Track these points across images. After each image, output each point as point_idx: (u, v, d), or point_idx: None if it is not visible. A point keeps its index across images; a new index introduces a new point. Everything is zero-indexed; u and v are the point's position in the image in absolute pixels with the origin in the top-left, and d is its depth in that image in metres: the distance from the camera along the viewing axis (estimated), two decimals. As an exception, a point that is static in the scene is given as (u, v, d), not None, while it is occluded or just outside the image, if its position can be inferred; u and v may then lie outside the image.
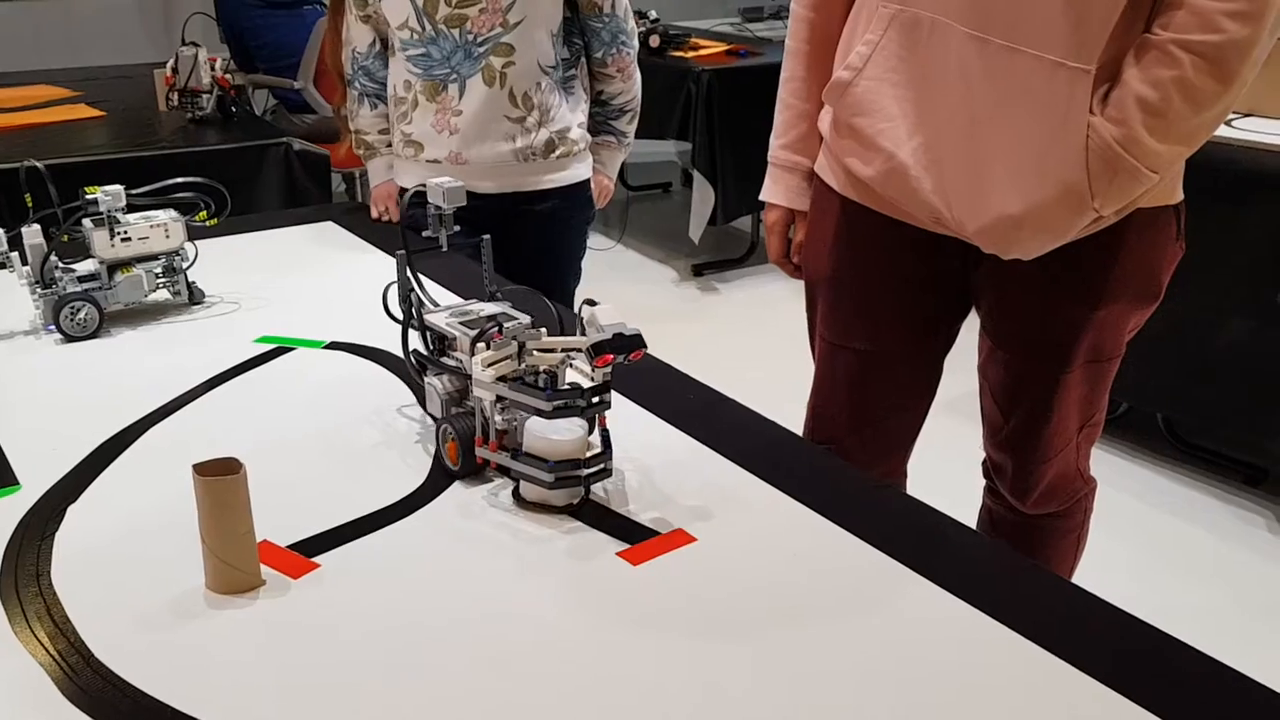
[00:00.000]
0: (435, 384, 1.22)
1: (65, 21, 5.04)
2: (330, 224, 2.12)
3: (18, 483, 1.17)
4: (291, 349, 1.52)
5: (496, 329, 1.16)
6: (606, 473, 1.13)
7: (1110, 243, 1.35)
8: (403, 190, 2.20)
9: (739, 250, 4.70)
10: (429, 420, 1.31)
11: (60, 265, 1.55)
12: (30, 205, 1.96)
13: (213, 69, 3.04)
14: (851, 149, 1.43)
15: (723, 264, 4.63)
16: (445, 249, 1.29)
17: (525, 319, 1.20)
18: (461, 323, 1.21)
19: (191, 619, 0.95)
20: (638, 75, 2.25)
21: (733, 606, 0.96)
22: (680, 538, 1.06)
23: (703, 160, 4.21)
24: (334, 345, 1.53)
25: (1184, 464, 2.97)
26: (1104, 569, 1.83)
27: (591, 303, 1.10)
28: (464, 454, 1.15)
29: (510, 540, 1.06)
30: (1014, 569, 1.04)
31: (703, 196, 4.27)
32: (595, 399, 1.09)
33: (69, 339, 1.53)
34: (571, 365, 1.16)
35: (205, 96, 3.02)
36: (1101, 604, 0.97)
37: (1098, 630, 0.93)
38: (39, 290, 1.55)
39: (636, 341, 1.07)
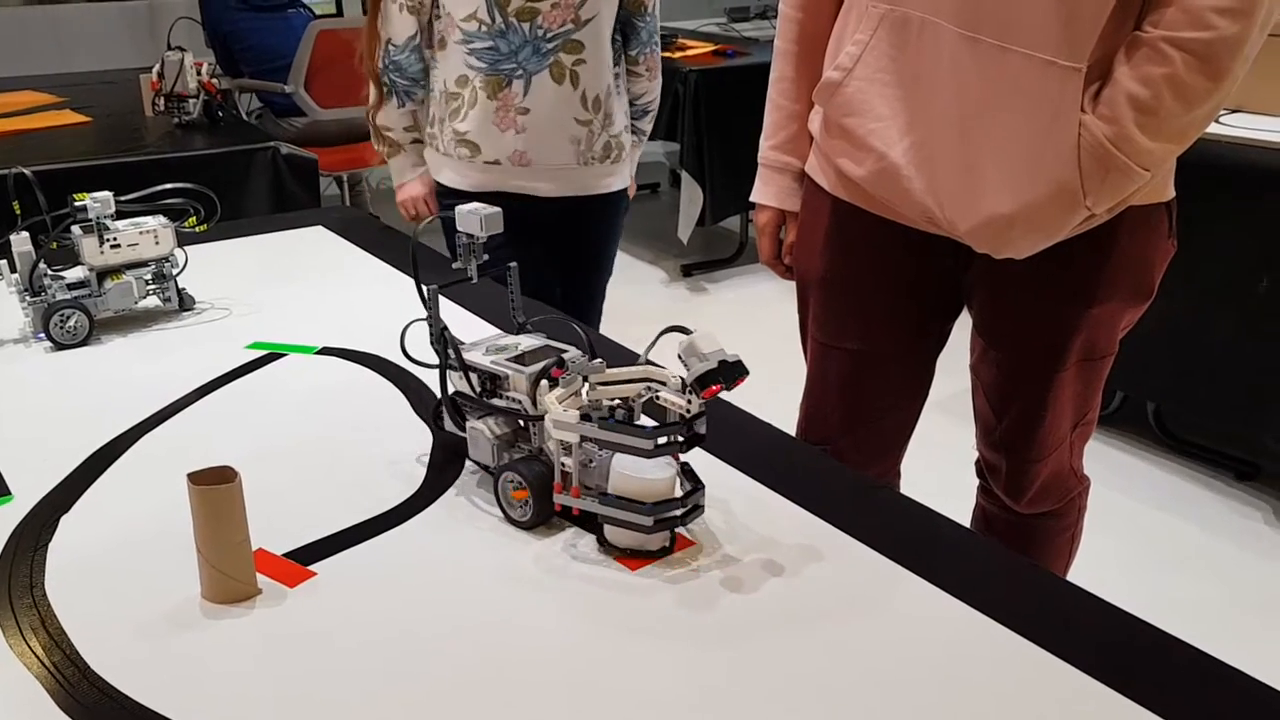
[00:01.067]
0: (482, 428, 1.12)
1: (50, 27, 5.02)
2: (320, 228, 2.11)
3: (10, 493, 1.17)
4: (283, 355, 1.51)
5: (557, 365, 1.09)
6: (699, 510, 1.05)
7: (1103, 241, 1.35)
8: (440, 188, 2.17)
9: (728, 250, 4.70)
10: (423, 426, 1.30)
11: (49, 273, 1.55)
12: (18, 212, 1.96)
13: (198, 73, 3.03)
14: (842, 149, 1.43)
15: (712, 264, 4.63)
16: (474, 280, 1.20)
17: (574, 351, 1.14)
18: (506, 359, 1.13)
19: (187, 629, 0.94)
20: (660, 75, 2.27)
21: (730, 609, 0.96)
22: (678, 542, 1.06)
23: (691, 161, 4.21)
24: (326, 351, 1.53)
25: (1177, 460, 2.98)
26: (1098, 565, 1.83)
27: (685, 330, 1.03)
28: (538, 502, 1.06)
29: (507, 547, 1.06)
30: (1008, 567, 1.04)
31: (691, 197, 4.28)
32: (693, 433, 1.01)
33: (59, 347, 1.53)
34: (657, 398, 1.07)
35: (191, 101, 3.01)
36: (1096, 601, 0.97)
37: (1092, 627, 0.93)
38: (28, 298, 1.54)
39: (739, 369, 1.00)
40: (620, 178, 2.21)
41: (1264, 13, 1.17)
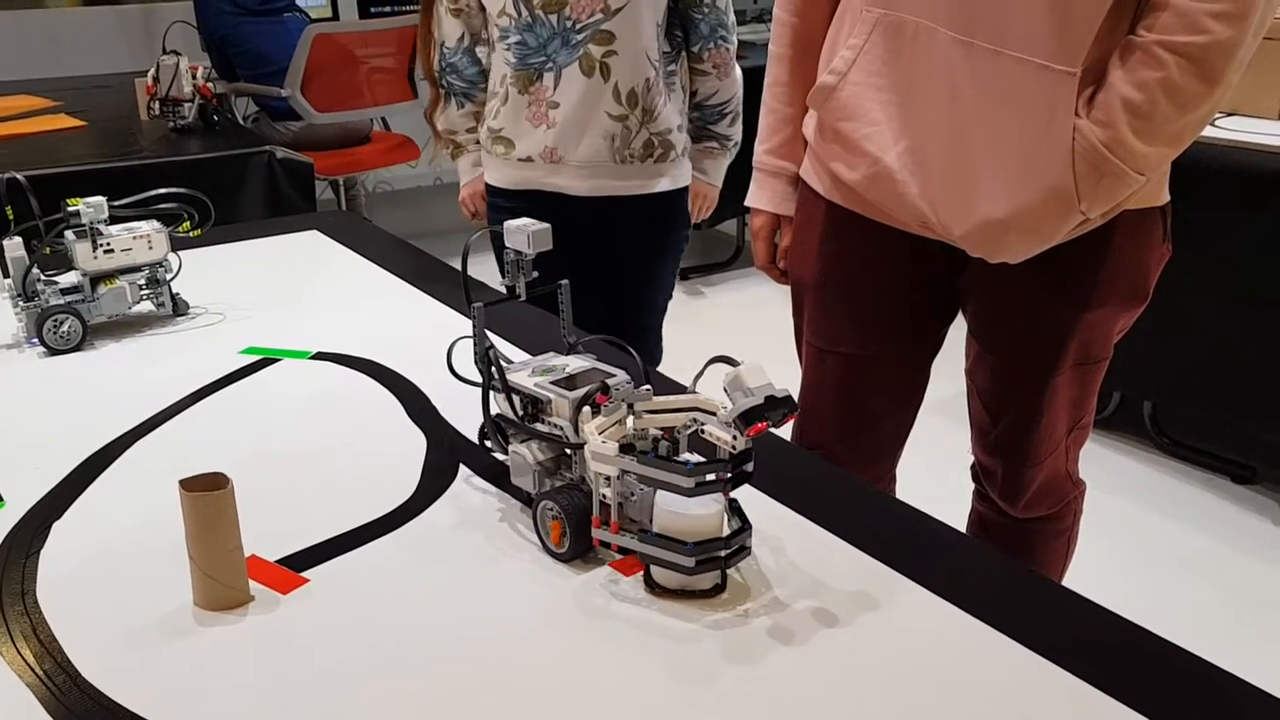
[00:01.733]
0: (524, 453, 1.06)
1: (45, 31, 5.01)
2: (315, 233, 2.11)
3: (1, 499, 1.16)
4: (277, 360, 1.51)
5: (601, 390, 1.03)
6: (746, 552, 0.99)
7: (1097, 245, 1.35)
8: (487, 187, 2.15)
9: (724, 254, 4.70)
10: (417, 431, 1.30)
11: (43, 278, 1.54)
12: (11, 217, 1.95)
13: (194, 78, 3.02)
14: (837, 153, 1.43)
15: (708, 267, 4.63)
16: (524, 298, 1.15)
17: (621, 376, 1.08)
18: (552, 382, 1.07)
19: (179, 636, 0.94)
20: (737, 73, 2.15)
21: (722, 614, 0.96)
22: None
23: (687, 164, 4.20)
24: (320, 356, 1.52)
25: (1173, 463, 2.98)
26: (1094, 569, 1.83)
27: (731, 362, 0.97)
28: (574, 536, 1.01)
29: (500, 553, 1.06)
30: (1004, 573, 1.04)
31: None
32: (739, 470, 0.96)
33: (52, 352, 1.52)
34: (702, 431, 1.01)
35: (187, 105, 3.01)
36: (1092, 607, 0.96)
37: (1088, 633, 0.93)
38: (21, 303, 1.54)
39: (788, 404, 0.95)
40: (668, 180, 2.08)
41: (1258, 17, 1.17)
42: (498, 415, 1.12)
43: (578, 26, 1.93)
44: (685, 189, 2.15)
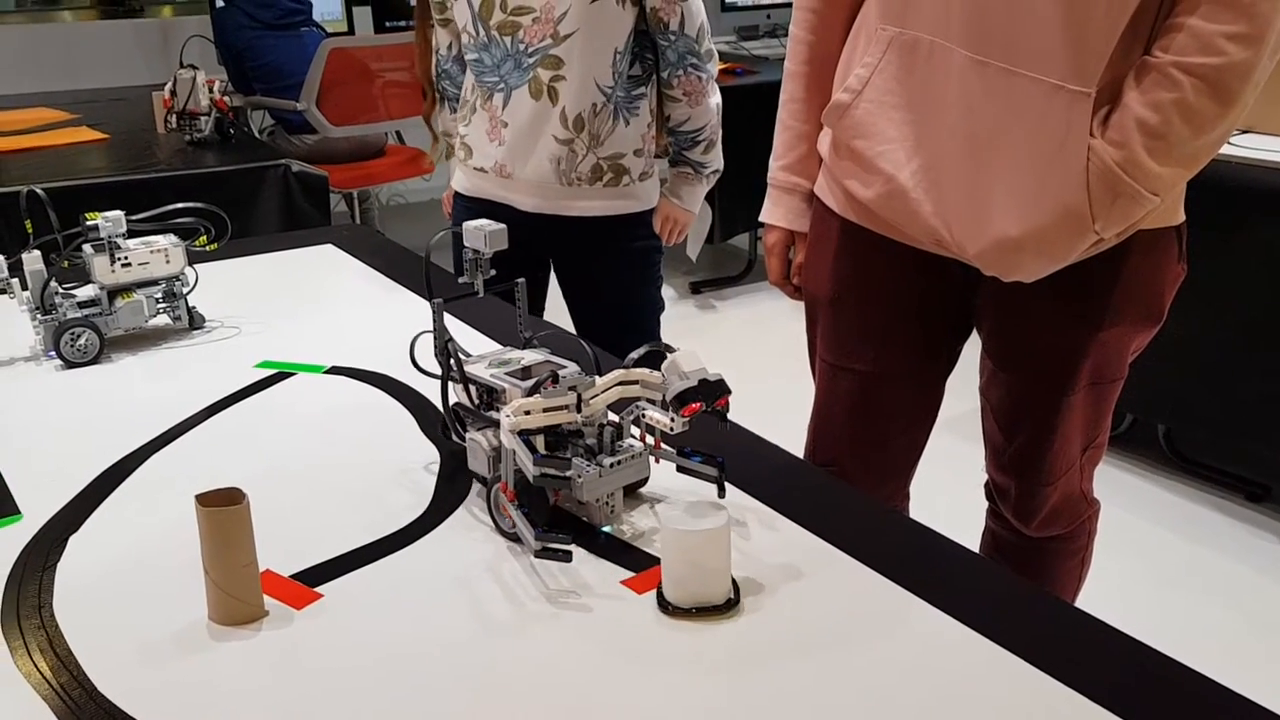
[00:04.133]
0: (480, 440, 1.13)
1: (63, 44, 5.05)
2: (330, 246, 2.12)
3: (19, 512, 1.17)
4: (292, 374, 1.52)
5: (551, 378, 1.09)
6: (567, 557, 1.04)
7: (1112, 265, 1.35)
8: (455, 192, 2.21)
9: (737, 268, 4.71)
10: (431, 445, 1.31)
11: (60, 291, 1.55)
12: (30, 231, 1.96)
13: (211, 91, 3.04)
14: (851, 171, 1.43)
15: (721, 282, 4.63)
16: (481, 295, 1.24)
17: (573, 367, 1.14)
18: (506, 373, 1.15)
19: (194, 651, 0.94)
20: (711, 100, 2.10)
21: (734, 633, 0.96)
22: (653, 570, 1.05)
23: (700, 178, 4.20)
24: (335, 370, 1.53)
25: (1187, 481, 2.97)
26: (1108, 588, 1.82)
27: (669, 349, 1.05)
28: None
29: (513, 569, 1.06)
30: (1017, 593, 1.03)
31: (700, 214, 4.27)
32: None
33: (69, 365, 1.53)
34: (644, 416, 1.08)
35: (203, 119, 3.03)
36: (1105, 628, 0.96)
37: (1101, 655, 0.93)
38: (39, 316, 1.55)
39: (721, 388, 1.02)
40: (618, 204, 2.08)
41: (1274, 38, 1.17)
42: (456, 404, 1.19)
43: (529, 50, 1.96)
44: (644, 212, 2.13)
